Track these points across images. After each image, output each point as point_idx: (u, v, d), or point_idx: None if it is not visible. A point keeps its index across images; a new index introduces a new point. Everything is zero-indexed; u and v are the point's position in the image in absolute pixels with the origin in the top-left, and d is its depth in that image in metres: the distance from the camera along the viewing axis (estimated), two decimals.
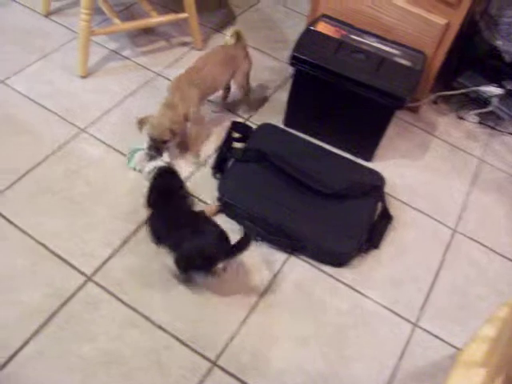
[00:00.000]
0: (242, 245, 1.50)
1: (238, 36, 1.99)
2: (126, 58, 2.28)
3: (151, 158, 1.80)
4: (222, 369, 1.44)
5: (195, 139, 1.94)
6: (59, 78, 2.12)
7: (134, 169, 1.85)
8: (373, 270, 1.73)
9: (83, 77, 2.14)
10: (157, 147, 1.79)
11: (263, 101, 2.22)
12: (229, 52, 1.96)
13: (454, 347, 1.58)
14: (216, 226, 1.54)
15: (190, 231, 1.50)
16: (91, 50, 2.12)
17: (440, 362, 1.55)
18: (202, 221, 1.57)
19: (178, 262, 1.53)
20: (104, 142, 1.92)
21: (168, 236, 1.55)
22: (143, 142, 1.82)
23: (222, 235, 1.51)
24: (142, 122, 1.79)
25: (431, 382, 1.51)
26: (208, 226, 1.53)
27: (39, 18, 2.39)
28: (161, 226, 1.58)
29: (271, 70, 2.38)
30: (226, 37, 2.00)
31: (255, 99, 2.22)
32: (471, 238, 1.90)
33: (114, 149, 1.91)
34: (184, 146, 1.94)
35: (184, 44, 2.40)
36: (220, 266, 1.53)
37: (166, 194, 1.61)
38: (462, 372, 0.94)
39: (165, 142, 1.79)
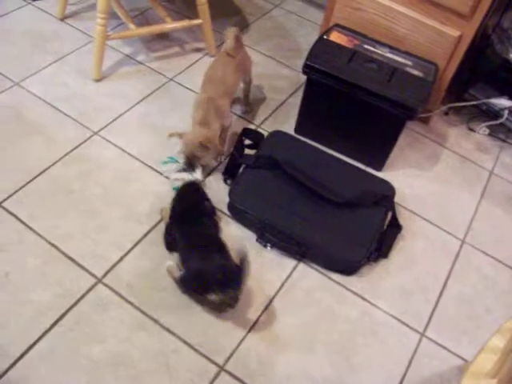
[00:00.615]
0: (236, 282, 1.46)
1: (237, 38, 1.99)
2: (140, 62, 2.30)
3: (184, 170, 1.83)
4: (230, 373, 1.45)
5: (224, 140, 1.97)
6: (74, 81, 2.15)
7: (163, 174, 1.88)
8: (381, 279, 1.73)
9: (97, 80, 2.17)
10: (190, 163, 1.82)
11: (275, 107, 2.24)
12: (236, 57, 1.98)
13: (461, 358, 1.58)
14: (226, 257, 1.52)
15: (197, 253, 1.51)
16: (106, 54, 2.14)
17: (447, 373, 1.55)
18: (214, 248, 1.54)
19: (180, 282, 1.55)
20: (117, 146, 1.94)
21: (181, 251, 1.57)
22: (178, 156, 1.86)
23: (226, 269, 1.47)
24: (179, 136, 1.80)
25: None
26: (217, 256, 1.51)
27: (55, 21, 2.42)
28: (176, 240, 1.60)
29: (284, 77, 2.39)
30: (227, 40, 1.99)
31: (256, 101, 2.25)
32: (480, 250, 1.90)
33: (127, 152, 1.93)
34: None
35: (197, 50, 2.42)
36: (217, 298, 1.47)
37: (189, 209, 1.63)
38: (471, 382, 0.95)
39: (198, 158, 1.81)
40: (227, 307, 1.52)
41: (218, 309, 1.54)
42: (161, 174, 1.88)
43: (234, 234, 1.75)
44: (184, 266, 1.53)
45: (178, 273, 1.54)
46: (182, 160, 1.84)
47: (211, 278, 1.45)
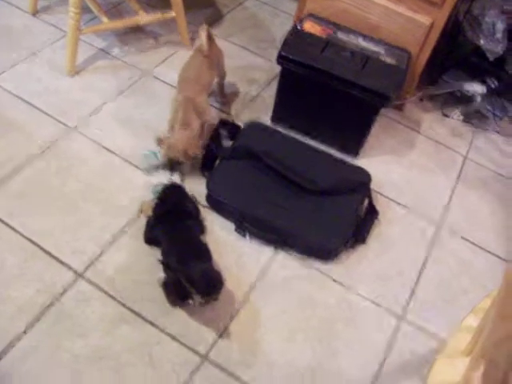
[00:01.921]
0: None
1: (209, 36, 1.98)
2: (115, 56, 2.29)
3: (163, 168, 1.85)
4: (213, 363, 1.46)
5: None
6: (48, 77, 2.13)
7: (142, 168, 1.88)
8: (359, 265, 1.76)
9: (72, 75, 2.15)
10: (171, 166, 1.83)
11: (251, 98, 2.24)
12: (210, 55, 1.97)
13: (439, 339, 1.61)
14: (207, 262, 1.52)
15: (180, 258, 1.50)
16: (79, 48, 2.12)
17: (426, 354, 1.58)
18: (194, 252, 1.55)
19: (163, 286, 1.54)
20: (94, 140, 1.93)
21: (162, 254, 1.58)
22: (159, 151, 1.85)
23: (206, 273, 1.47)
24: (160, 142, 1.79)
25: (417, 374, 1.54)
26: (198, 260, 1.51)
27: (27, 16, 2.39)
28: (160, 241, 1.61)
29: (258, 68, 2.40)
30: (200, 40, 1.97)
31: (232, 92, 2.27)
32: (456, 234, 1.93)
33: (105, 147, 1.92)
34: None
35: (172, 43, 2.42)
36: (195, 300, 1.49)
37: (173, 211, 1.64)
38: (446, 361, 0.98)
39: (180, 163, 1.82)
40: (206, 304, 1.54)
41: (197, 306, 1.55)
42: (139, 168, 1.88)
43: (213, 225, 1.76)
44: (166, 266, 1.53)
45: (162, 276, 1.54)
46: (161, 158, 1.84)
47: (192, 285, 1.44)
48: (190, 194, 1.74)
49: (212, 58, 1.99)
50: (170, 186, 1.73)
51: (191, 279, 1.43)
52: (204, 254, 1.55)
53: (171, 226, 1.61)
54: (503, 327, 0.62)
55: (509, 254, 1.89)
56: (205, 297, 1.47)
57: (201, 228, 1.71)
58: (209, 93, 1.99)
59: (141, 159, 1.88)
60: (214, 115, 2.05)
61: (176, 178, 1.83)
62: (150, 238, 1.65)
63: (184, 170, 1.87)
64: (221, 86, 2.16)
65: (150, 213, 1.67)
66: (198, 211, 1.73)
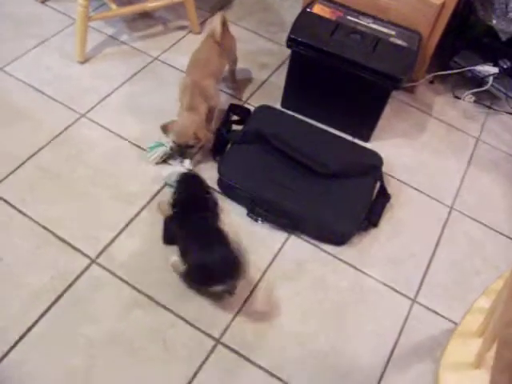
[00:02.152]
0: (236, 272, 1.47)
1: (224, 23, 1.98)
2: (124, 42, 2.29)
3: (172, 157, 1.86)
4: (226, 346, 1.47)
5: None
6: (57, 64, 2.13)
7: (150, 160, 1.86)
8: (372, 248, 1.76)
9: (81, 62, 2.15)
10: (181, 152, 1.83)
11: (261, 82, 2.24)
12: (221, 42, 1.96)
13: (452, 322, 1.61)
14: (227, 248, 1.50)
15: (199, 246, 1.50)
16: (88, 35, 2.12)
17: (438, 337, 1.58)
18: (216, 239, 1.53)
19: (182, 275, 1.54)
20: (104, 127, 1.94)
21: (180, 243, 1.57)
22: (166, 139, 1.84)
23: (229, 259, 1.46)
24: (165, 128, 1.80)
25: (430, 356, 1.54)
26: (217, 247, 1.49)
27: (35, 4, 2.39)
28: (177, 233, 1.60)
29: (268, 52, 2.39)
30: (215, 26, 1.95)
31: (242, 76, 2.26)
32: (468, 216, 1.92)
33: (115, 133, 1.93)
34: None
35: (181, 28, 2.41)
36: (221, 288, 1.49)
37: (191, 201, 1.64)
38: (459, 341, 0.98)
39: (190, 147, 1.81)
40: (227, 295, 1.54)
41: (218, 297, 1.55)
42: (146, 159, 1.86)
43: (225, 210, 1.76)
44: (185, 260, 1.52)
45: (182, 267, 1.53)
46: (169, 145, 1.83)
47: (213, 272, 1.44)
48: (206, 184, 1.74)
49: (224, 44, 1.98)
50: (186, 175, 1.72)
51: (211, 266, 1.44)
52: (221, 239, 1.53)
53: (188, 218, 1.60)
54: None
55: None
56: (227, 282, 1.46)
57: (216, 217, 1.71)
58: (219, 79, 1.98)
59: (147, 152, 1.86)
60: (222, 101, 2.03)
61: (187, 164, 1.83)
62: (169, 238, 1.64)
63: (193, 154, 1.88)
64: (232, 72, 2.15)
65: (167, 212, 1.66)
66: (215, 204, 1.73)
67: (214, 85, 1.91)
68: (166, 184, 1.78)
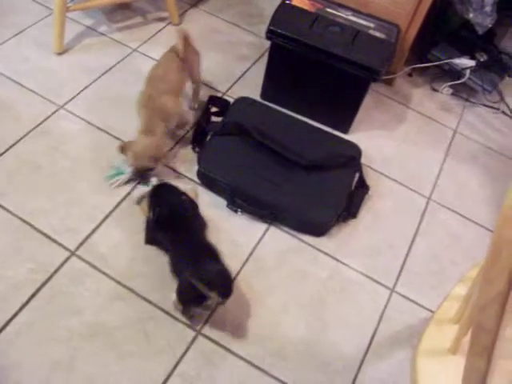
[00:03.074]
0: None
1: (186, 38, 1.89)
2: (103, 34, 2.27)
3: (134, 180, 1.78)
4: (207, 337, 1.48)
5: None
6: (35, 55, 2.11)
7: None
8: (351, 239, 1.78)
9: (59, 53, 2.13)
10: (142, 175, 1.76)
11: (240, 74, 2.24)
12: (183, 57, 1.88)
13: (430, 310, 1.64)
14: (219, 261, 1.47)
15: (191, 262, 1.45)
16: (67, 26, 2.10)
17: (416, 325, 1.61)
18: (206, 253, 1.50)
19: (177, 293, 1.48)
20: (83, 118, 1.92)
21: (171, 260, 1.53)
22: (125, 164, 1.75)
23: (221, 274, 1.44)
24: (123, 149, 1.71)
25: (408, 344, 1.56)
26: (210, 261, 1.46)
27: None
28: (166, 246, 1.57)
29: (248, 44, 2.39)
30: (178, 42, 1.88)
31: (222, 68, 2.24)
32: (446, 207, 1.95)
33: (93, 124, 1.91)
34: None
35: (160, 19, 2.40)
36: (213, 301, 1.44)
37: (171, 214, 1.57)
38: (436, 328, 1.00)
39: (149, 169, 1.74)
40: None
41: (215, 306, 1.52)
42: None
43: (205, 202, 1.76)
44: (179, 278, 1.47)
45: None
46: (129, 172, 1.76)
47: (211, 288, 1.38)
48: (179, 189, 1.66)
49: (186, 60, 1.90)
50: (158, 188, 1.65)
51: (209, 281, 1.38)
52: (214, 254, 1.49)
53: (174, 231, 1.55)
54: (489, 290, 0.63)
55: None
56: (224, 297, 1.41)
57: (202, 223, 1.65)
58: (179, 95, 1.88)
59: (107, 178, 1.77)
60: (185, 114, 1.96)
61: (154, 182, 1.75)
62: (151, 240, 1.62)
63: (155, 172, 1.79)
64: (194, 91, 2.03)
65: (148, 213, 1.61)
66: (195, 206, 1.67)
67: (174, 100, 1.82)
68: (139, 204, 1.71)
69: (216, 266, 1.45)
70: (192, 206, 1.65)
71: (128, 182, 1.78)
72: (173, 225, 1.56)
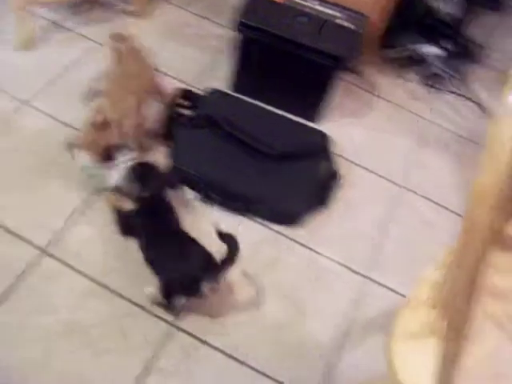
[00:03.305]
0: (228, 259, 1.43)
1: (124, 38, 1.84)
2: (68, 29, 2.23)
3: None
4: (182, 330, 1.48)
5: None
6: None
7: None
8: (324, 228, 1.79)
9: (24, 49, 2.09)
10: (106, 155, 1.63)
11: (210, 66, 2.22)
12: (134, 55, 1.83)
13: (404, 296, 1.66)
14: (200, 247, 1.46)
15: (173, 254, 1.44)
16: (31, 21, 2.06)
17: (391, 312, 1.61)
18: (186, 242, 1.49)
19: (162, 290, 1.45)
20: (49, 114, 1.89)
21: (151, 253, 1.48)
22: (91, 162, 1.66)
23: (207, 257, 1.43)
24: (71, 147, 1.64)
25: (384, 330, 1.56)
26: (192, 249, 1.46)
27: None
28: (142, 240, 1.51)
29: (217, 37, 2.37)
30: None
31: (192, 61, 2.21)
32: (417, 194, 1.98)
33: (59, 120, 1.88)
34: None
35: (127, 13, 2.36)
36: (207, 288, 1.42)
37: (152, 200, 1.52)
38: (409, 312, 1.01)
39: (110, 148, 1.64)
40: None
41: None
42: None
43: (178, 195, 1.75)
44: (161, 274, 1.44)
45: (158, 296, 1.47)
46: (95, 163, 1.66)
47: (200, 274, 1.39)
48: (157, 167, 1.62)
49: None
50: (139, 166, 1.58)
51: (196, 274, 1.39)
52: (184, 250, 1.47)
53: (151, 218, 1.51)
54: (461, 270, 0.64)
55: None
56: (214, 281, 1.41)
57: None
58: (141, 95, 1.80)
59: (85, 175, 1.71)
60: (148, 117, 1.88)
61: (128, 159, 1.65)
62: (127, 231, 1.56)
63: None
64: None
65: (118, 205, 1.57)
66: (174, 180, 1.65)
67: (134, 102, 1.74)
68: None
69: (199, 251, 1.45)
70: (171, 180, 1.62)
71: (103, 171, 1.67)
72: (150, 211, 1.52)
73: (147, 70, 1.87)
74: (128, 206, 1.55)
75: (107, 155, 1.65)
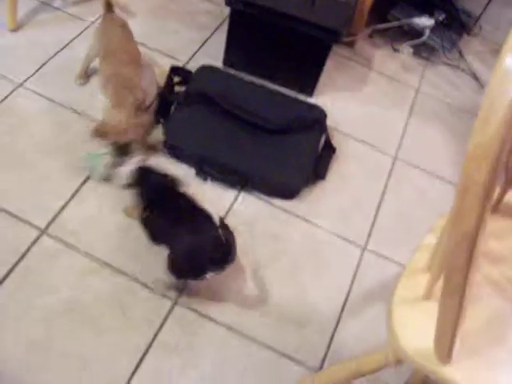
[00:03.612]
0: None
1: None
2: (58, 8, 2.21)
3: (118, 162, 1.65)
4: (183, 305, 1.49)
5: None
6: None
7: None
8: (321, 200, 1.80)
9: (14, 30, 2.07)
10: (123, 151, 1.66)
11: (200, 43, 2.21)
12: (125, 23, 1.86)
13: (401, 265, 1.68)
14: (215, 229, 1.45)
15: (186, 233, 1.43)
16: (20, 2, 2.03)
17: (389, 281, 1.65)
18: (200, 221, 1.47)
19: (171, 267, 1.44)
20: (43, 96, 1.88)
21: (165, 235, 1.49)
22: (99, 149, 1.67)
23: (219, 241, 1.42)
24: (98, 131, 1.60)
25: (382, 299, 1.61)
26: (206, 229, 1.45)
27: None
28: (159, 226, 1.51)
29: (206, 13, 2.36)
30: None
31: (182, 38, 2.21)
32: (411, 164, 1.99)
33: (54, 101, 1.88)
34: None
35: None
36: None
37: (161, 193, 1.52)
38: (409, 278, 1.02)
39: (127, 145, 1.66)
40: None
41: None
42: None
43: (174, 172, 1.75)
44: (174, 251, 1.44)
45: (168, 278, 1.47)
46: (107, 152, 1.67)
47: (207, 259, 1.39)
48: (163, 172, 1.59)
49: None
50: (141, 171, 1.55)
51: (204, 253, 1.40)
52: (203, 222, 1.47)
53: (164, 212, 1.50)
54: (458, 230, 0.65)
55: None
56: (223, 266, 1.41)
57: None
58: (139, 64, 1.84)
59: (88, 170, 1.71)
60: (147, 90, 1.88)
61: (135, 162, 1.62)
62: (155, 234, 1.52)
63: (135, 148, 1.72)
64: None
65: (135, 215, 1.56)
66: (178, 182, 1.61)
67: (137, 72, 1.78)
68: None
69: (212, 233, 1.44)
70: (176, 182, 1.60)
71: (113, 165, 1.66)
72: (162, 208, 1.50)
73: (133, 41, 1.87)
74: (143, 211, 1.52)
75: (124, 151, 1.65)
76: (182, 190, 1.57)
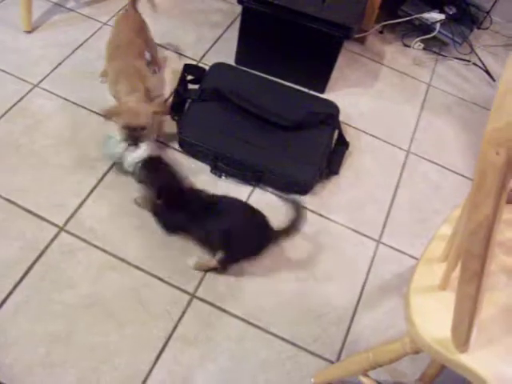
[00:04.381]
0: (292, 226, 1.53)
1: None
2: (71, 9, 2.24)
3: (128, 148, 1.66)
4: (201, 299, 1.51)
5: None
6: (4, 35, 2.07)
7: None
8: (335, 195, 1.81)
9: (29, 32, 2.10)
10: (134, 136, 1.64)
11: (213, 41, 2.23)
12: (136, 18, 1.91)
13: (416, 258, 1.69)
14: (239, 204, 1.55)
15: (215, 217, 1.47)
16: (34, 3, 2.06)
17: (404, 274, 1.66)
18: (224, 203, 1.54)
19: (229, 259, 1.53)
20: (58, 95, 1.91)
21: (181, 223, 1.52)
22: (114, 132, 1.69)
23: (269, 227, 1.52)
24: (110, 113, 1.64)
25: (397, 292, 1.62)
26: (233, 207, 1.52)
27: None
28: (172, 215, 1.52)
29: (219, 11, 2.37)
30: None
31: (195, 36, 2.22)
32: (424, 158, 1.99)
33: (70, 101, 1.90)
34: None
35: None
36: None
37: (175, 189, 1.51)
38: (425, 267, 1.03)
39: (143, 128, 1.64)
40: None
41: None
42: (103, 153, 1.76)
43: (189, 169, 1.77)
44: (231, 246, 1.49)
45: (212, 260, 1.52)
46: (117, 135, 1.68)
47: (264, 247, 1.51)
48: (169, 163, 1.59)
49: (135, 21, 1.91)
50: (149, 162, 1.56)
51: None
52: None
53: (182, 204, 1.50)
54: (476, 215, 0.66)
55: None
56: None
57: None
58: (144, 58, 1.89)
59: (104, 145, 1.74)
60: (154, 82, 1.94)
61: (143, 149, 1.65)
62: (172, 228, 1.57)
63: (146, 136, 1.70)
64: (154, 58, 2.06)
65: (149, 206, 1.59)
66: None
67: (145, 65, 1.84)
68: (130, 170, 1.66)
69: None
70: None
71: (123, 149, 1.67)
72: (179, 202, 1.50)
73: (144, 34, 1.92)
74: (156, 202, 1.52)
75: (136, 136, 1.65)
76: (188, 182, 1.59)
